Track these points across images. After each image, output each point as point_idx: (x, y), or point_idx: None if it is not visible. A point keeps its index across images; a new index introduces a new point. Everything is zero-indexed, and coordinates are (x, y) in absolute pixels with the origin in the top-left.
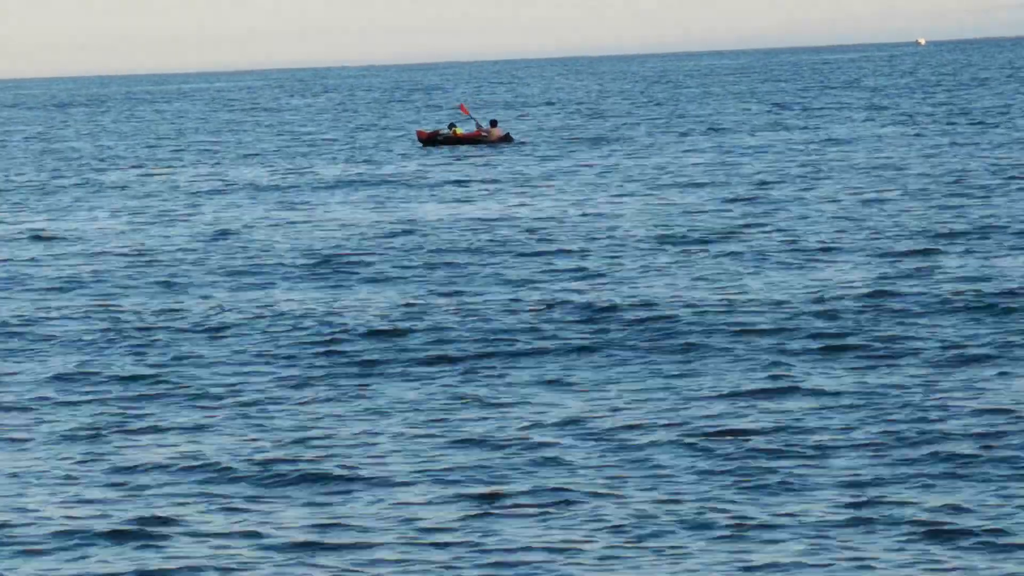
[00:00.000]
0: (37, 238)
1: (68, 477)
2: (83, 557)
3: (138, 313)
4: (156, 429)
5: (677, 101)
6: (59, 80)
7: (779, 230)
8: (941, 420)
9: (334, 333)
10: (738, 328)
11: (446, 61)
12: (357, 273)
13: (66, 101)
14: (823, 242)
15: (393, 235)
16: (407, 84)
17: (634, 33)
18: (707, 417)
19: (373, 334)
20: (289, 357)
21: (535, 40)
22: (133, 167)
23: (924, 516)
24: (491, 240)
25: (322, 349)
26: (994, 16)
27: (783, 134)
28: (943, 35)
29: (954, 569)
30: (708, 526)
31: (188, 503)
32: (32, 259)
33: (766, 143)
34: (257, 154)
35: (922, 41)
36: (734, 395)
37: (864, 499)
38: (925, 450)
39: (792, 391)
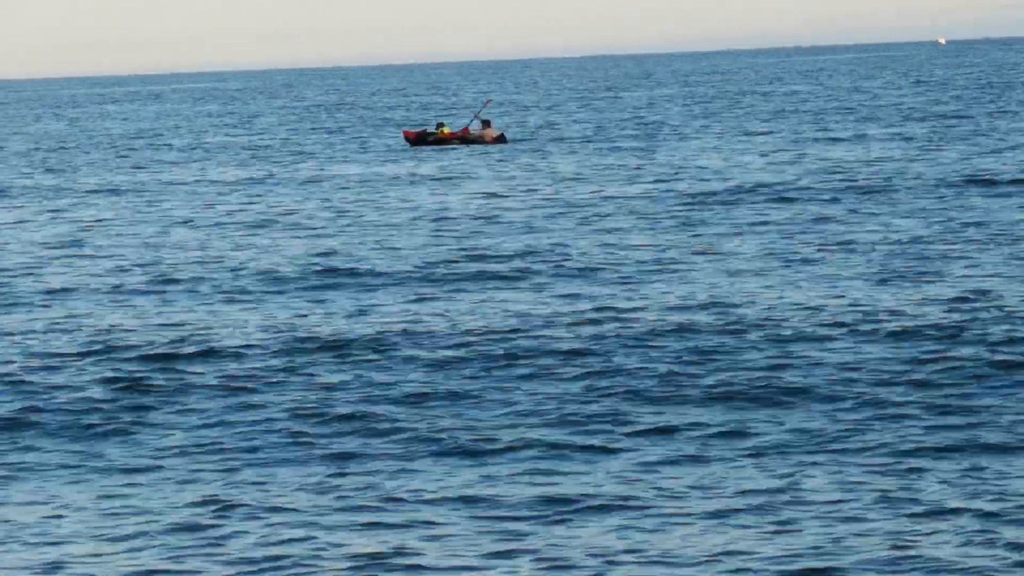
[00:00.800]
0: None
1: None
2: None
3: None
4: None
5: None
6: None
7: (776, 231)
8: (951, 419)
9: (323, 339)
10: (736, 328)
11: (443, 61)
12: (347, 277)
13: None
14: (815, 245)
15: (379, 235)
16: (406, 83)
17: (643, 33)
18: (707, 419)
19: (368, 337)
20: (284, 366)
21: (544, 39)
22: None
23: (929, 517)
24: (483, 241)
25: (314, 354)
26: (1007, 16)
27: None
28: (964, 35)
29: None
30: (708, 533)
31: (187, 510)
32: None
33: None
34: (238, 153)
35: (942, 41)
36: (733, 397)
37: (868, 495)
38: (928, 449)
39: (794, 392)
